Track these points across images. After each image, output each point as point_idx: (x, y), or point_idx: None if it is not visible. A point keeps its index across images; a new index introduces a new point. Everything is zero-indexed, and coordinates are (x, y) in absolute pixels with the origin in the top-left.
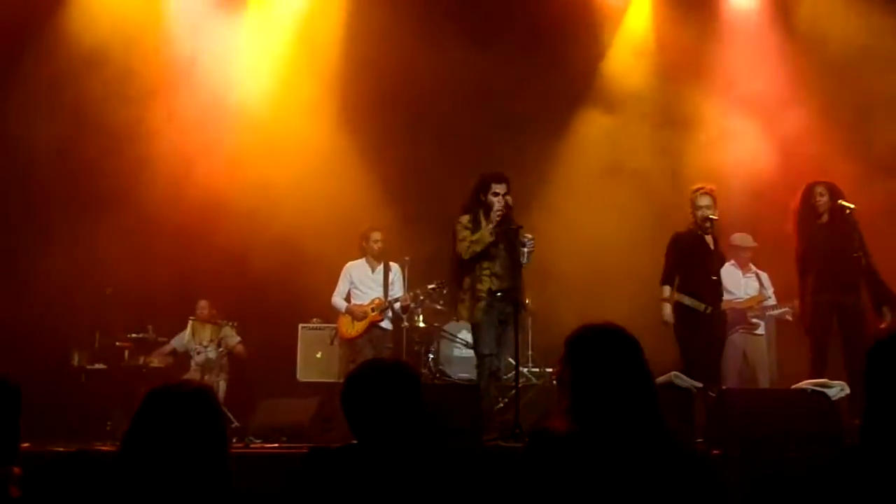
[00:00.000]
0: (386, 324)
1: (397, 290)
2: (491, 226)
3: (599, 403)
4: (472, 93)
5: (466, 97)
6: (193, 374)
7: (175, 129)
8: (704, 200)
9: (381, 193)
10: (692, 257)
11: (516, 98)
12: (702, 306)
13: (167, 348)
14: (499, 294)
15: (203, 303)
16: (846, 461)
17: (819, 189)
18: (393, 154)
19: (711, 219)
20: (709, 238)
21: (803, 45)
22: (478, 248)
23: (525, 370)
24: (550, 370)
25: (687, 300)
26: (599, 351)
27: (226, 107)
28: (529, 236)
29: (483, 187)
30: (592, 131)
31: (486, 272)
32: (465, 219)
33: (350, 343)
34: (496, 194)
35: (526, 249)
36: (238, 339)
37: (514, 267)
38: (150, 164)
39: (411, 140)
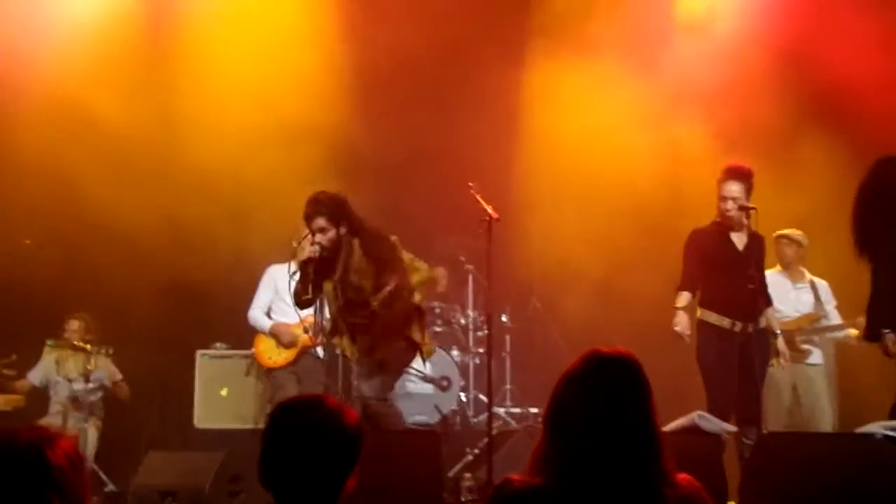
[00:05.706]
0: (318, 351)
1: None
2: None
3: (573, 451)
4: None
5: None
6: (53, 419)
7: None
8: (733, 187)
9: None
10: (714, 260)
11: None
12: (726, 322)
13: (23, 384)
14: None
15: (75, 324)
16: None
17: None
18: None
19: (746, 207)
20: (738, 235)
21: None
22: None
23: (502, 411)
24: (536, 410)
25: (709, 316)
26: (583, 384)
27: None
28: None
29: None
30: None
31: None
32: None
33: (271, 376)
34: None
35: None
36: (118, 374)
37: None
38: None
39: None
